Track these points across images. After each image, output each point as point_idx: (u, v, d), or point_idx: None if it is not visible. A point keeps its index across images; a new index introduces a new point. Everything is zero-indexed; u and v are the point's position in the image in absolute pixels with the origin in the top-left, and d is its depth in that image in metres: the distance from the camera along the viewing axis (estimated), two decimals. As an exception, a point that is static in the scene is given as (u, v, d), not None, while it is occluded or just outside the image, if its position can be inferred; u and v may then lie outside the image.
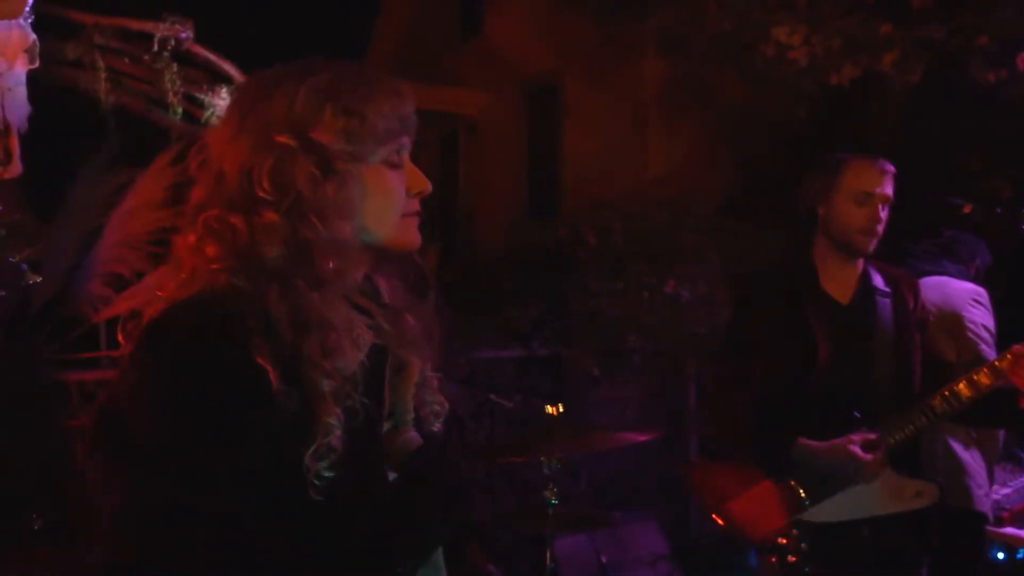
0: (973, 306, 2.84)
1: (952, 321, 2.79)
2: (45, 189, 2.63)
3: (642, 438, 2.50)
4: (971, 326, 2.80)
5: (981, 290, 2.91)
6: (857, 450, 2.09)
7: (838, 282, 2.27)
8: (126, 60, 2.63)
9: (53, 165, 2.65)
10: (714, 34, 4.83)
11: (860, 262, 2.29)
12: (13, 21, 2.14)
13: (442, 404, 1.22)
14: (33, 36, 2.24)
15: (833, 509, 2.17)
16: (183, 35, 2.66)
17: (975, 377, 2.10)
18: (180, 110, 2.72)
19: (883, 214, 2.20)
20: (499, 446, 2.27)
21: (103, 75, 2.56)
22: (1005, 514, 2.98)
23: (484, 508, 2.77)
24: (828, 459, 2.11)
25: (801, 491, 2.18)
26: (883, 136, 4.75)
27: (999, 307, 2.88)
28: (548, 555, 2.39)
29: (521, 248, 6.36)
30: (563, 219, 7.27)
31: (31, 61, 2.24)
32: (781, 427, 2.15)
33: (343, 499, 1.00)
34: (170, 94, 2.64)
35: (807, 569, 2.13)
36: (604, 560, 3.85)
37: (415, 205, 1.15)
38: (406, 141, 1.14)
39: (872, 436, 2.11)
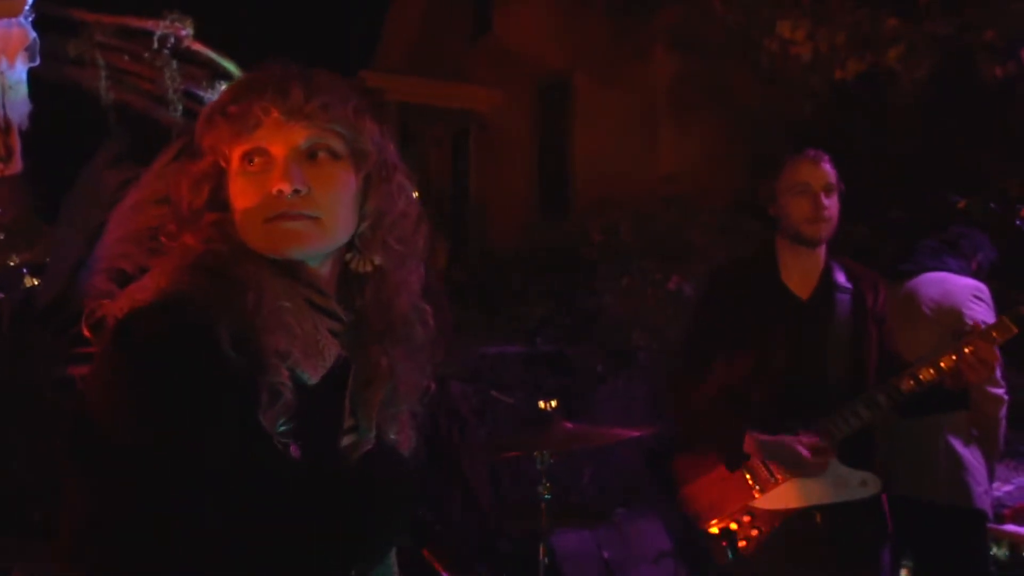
0: (973, 302, 2.81)
1: (952, 317, 2.76)
2: (48, 187, 2.66)
3: (634, 433, 2.51)
4: (971, 323, 2.77)
5: (982, 286, 2.88)
6: (803, 450, 2.16)
7: (798, 277, 2.33)
8: (126, 58, 2.64)
9: (55, 163, 2.68)
10: (721, 30, 4.80)
11: (821, 258, 2.34)
12: (13, 19, 2.17)
13: (416, 416, 1.19)
14: (33, 34, 2.27)
15: (784, 497, 2.24)
16: (183, 32, 2.68)
17: (918, 373, 2.17)
18: (180, 107, 2.73)
19: (826, 201, 2.26)
20: (493, 442, 2.28)
21: (103, 73, 2.58)
22: (1007, 511, 2.96)
23: (483, 503, 2.80)
24: (774, 452, 2.19)
25: (751, 479, 2.25)
26: (895, 133, 4.70)
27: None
28: (541, 550, 2.39)
29: (530, 246, 6.36)
30: (573, 217, 7.26)
31: (31, 59, 2.27)
32: (738, 418, 2.22)
33: (300, 505, 1.00)
34: (170, 91, 2.66)
35: (756, 553, 2.20)
36: (606, 556, 3.84)
37: (277, 207, 1.03)
38: (261, 137, 1.05)
39: (821, 443, 2.17)
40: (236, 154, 1.04)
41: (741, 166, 6.04)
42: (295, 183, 1.02)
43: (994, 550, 3.00)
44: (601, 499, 4.32)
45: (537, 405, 2.45)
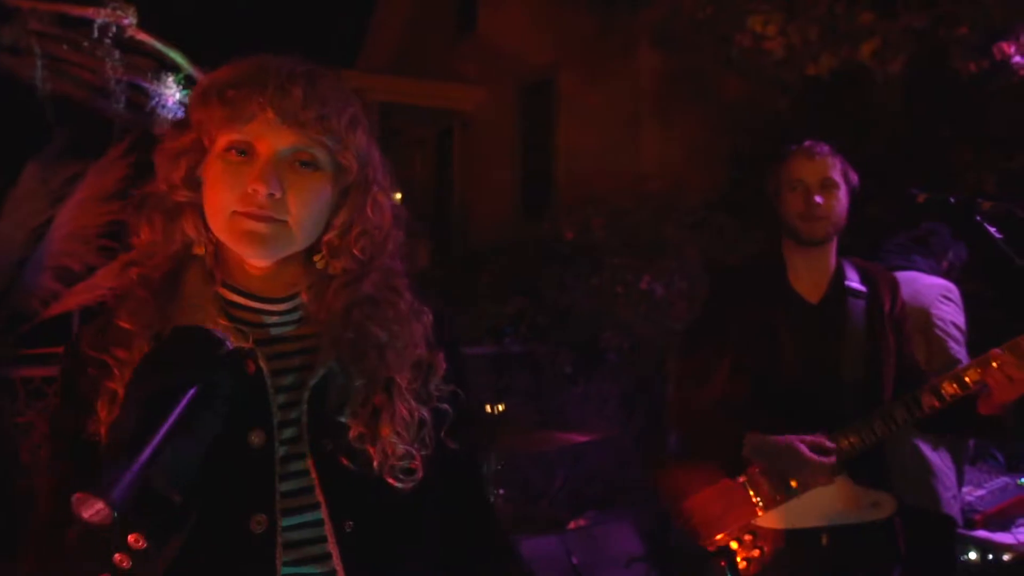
0: (942, 302, 2.73)
1: (920, 318, 2.69)
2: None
3: (583, 439, 2.42)
4: (939, 323, 2.70)
5: (951, 286, 2.81)
6: (804, 448, 2.01)
7: (808, 280, 2.20)
8: (65, 47, 2.55)
9: (-10, 156, 2.59)
10: (693, 23, 4.73)
11: (832, 258, 2.21)
12: (-63, 5, 2.06)
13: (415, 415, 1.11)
14: (-39, 21, 2.16)
15: (788, 515, 2.09)
16: (125, 21, 2.59)
17: (941, 388, 2.02)
18: (124, 99, 2.64)
19: (820, 197, 2.13)
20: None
21: (40, 62, 2.49)
22: (978, 516, 2.88)
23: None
24: (774, 452, 2.05)
25: (753, 494, 2.12)
26: (870, 129, 4.64)
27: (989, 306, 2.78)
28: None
29: (506, 244, 6.29)
30: (551, 214, 7.21)
31: (-41, 47, 2.17)
32: (742, 427, 2.08)
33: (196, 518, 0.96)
34: (112, 82, 2.57)
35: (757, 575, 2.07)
36: (575, 561, 3.76)
37: (247, 204, 1.03)
38: (251, 132, 1.05)
39: (825, 441, 2.04)
40: (223, 139, 1.05)
41: (719, 163, 6.00)
42: (271, 187, 1.02)
43: (965, 556, 2.92)
44: (573, 503, 4.24)
45: (509, 407, 2.37)
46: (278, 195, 1.02)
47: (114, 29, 2.59)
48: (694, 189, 5.91)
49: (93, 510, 0.81)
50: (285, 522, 1.03)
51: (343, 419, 1.06)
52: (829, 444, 2.04)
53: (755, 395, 2.12)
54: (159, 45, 2.67)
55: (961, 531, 2.81)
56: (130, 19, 2.61)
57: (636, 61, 7.94)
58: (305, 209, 1.05)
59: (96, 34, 2.56)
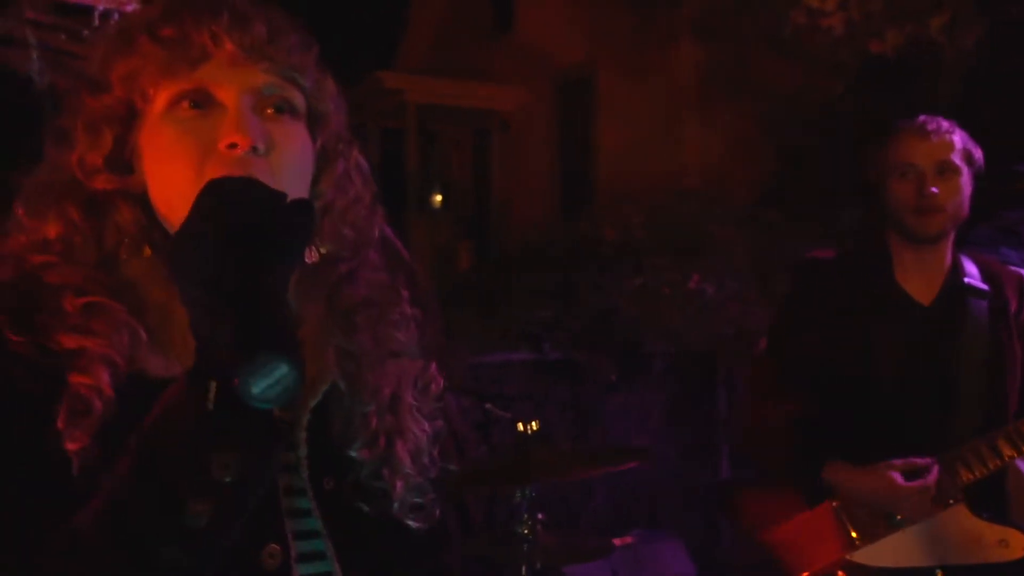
0: (1038, 300, 2.42)
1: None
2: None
3: (626, 460, 2.15)
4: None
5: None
6: (897, 476, 1.72)
7: (918, 278, 1.87)
8: (63, 36, 2.40)
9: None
10: (740, 5, 4.44)
11: (947, 253, 1.87)
12: (-78, -9, 1.90)
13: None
14: (-52, 9, 2.01)
15: (893, 552, 1.79)
16: (129, 7, 2.41)
17: None
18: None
19: (937, 185, 1.78)
20: (463, 473, 1.94)
21: (35, 53, 2.33)
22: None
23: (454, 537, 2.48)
24: (862, 486, 1.75)
25: (850, 526, 1.82)
26: (938, 111, 4.30)
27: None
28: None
29: (544, 245, 6.08)
30: (591, 214, 7.02)
31: (-53, 37, 2.01)
32: (828, 451, 1.78)
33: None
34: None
35: None
36: (622, 583, 3.53)
37: (225, 167, 0.76)
38: (206, 76, 0.78)
39: (921, 462, 1.74)
40: (164, 93, 0.78)
41: (766, 156, 5.74)
42: (254, 137, 0.76)
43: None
44: (616, 520, 3.99)
45: (547, 419, 2.15)
46: (262, 149, 0.77)
47: (116, 16, 2.42)
48: (738, 185, 5.67)
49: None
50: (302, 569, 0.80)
51: (353, 452, 0.83)
52: (922, 462, 1.73)
53: (843, 414, 1.81)
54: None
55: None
56: (133, 5, 2.43)
57: (676, 55, 7.77)
58: (298, 168, 0.80)
59: (97, 22, 2.40)
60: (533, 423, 1.98)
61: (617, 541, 3.81)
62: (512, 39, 10.81)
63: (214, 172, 0.75)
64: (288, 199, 0.70)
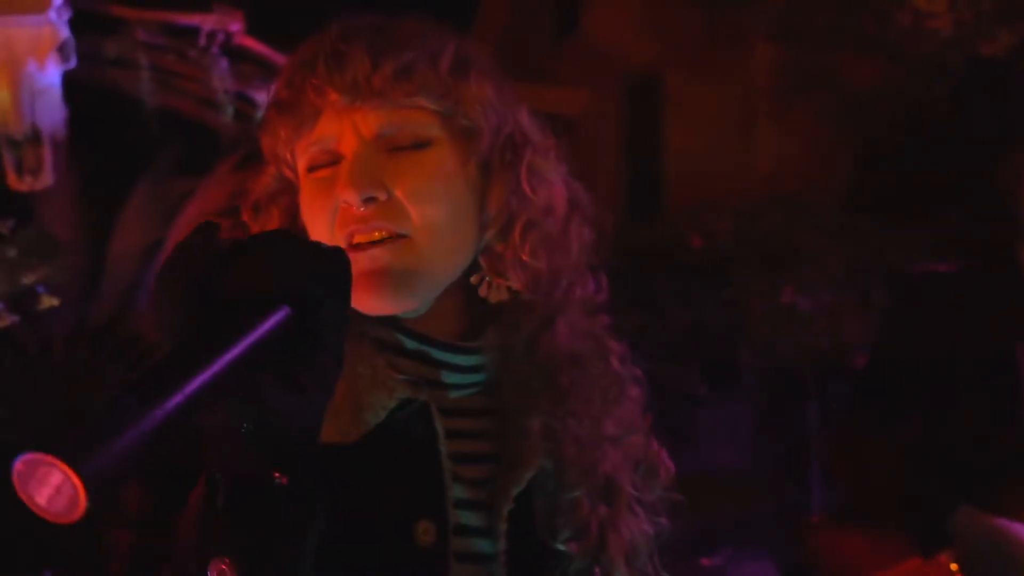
0: None
1: None
2: (91, 201, 2.49)
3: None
4: None
5: None
6: None
7: None
8: (171, 57, 2.43)
9: (98, 175, 2.51)
10: (833, 9, 4.31)
11: None
12: (43, 16, 1.95)
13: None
14: (67, 33, 2.05)
15: None
16: (233, 28, 2.44)
17: None
18: (232, 110, 2.51)
19: None
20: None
21: (147, 74, 2.38)
22: None
23: None
24: (995, 541, 1.64)
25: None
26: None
27: None
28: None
29: (617, 253, 5.98)
30: (665, 220, 6.92)
31: (65, 61, 2.06)
32: (946, 493, 1.67)
33: None
34: (220, 93, 2.43)
35: None
36: (710, 606, 3.44)
37: (345, 225, 0.73)
38: (323, 131, 0.75)
39: None
40: (303, 158, 0.79)
41: (851, 160, 5.57)
42: (364, 188, 0.74)
43: None
44: (703, 540, 3.89)
45: None
46: (382, 197, 0.74)
47: (221, 36, 2.45)
48: (820, 190, 5.52)
49: (51, 488, 0.45)
50: None
51: (559, 545, 0.75)
52: None
53: (967, 452, 1.71)
54: (266, 51, 2.52)
55: None
56: (238, 25, 2.46)
57: (751, 54, 7.62)
58: (430, 203, 0.75)
59: (204, 42, 2.43)
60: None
61: (705, 561, 3.72)
62: (577, 41, 10.75)
63: (340, 231, 0.75)
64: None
